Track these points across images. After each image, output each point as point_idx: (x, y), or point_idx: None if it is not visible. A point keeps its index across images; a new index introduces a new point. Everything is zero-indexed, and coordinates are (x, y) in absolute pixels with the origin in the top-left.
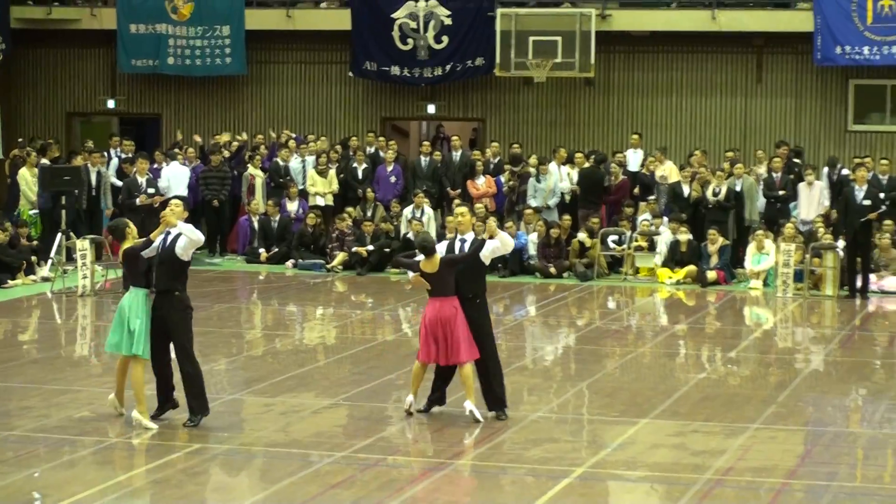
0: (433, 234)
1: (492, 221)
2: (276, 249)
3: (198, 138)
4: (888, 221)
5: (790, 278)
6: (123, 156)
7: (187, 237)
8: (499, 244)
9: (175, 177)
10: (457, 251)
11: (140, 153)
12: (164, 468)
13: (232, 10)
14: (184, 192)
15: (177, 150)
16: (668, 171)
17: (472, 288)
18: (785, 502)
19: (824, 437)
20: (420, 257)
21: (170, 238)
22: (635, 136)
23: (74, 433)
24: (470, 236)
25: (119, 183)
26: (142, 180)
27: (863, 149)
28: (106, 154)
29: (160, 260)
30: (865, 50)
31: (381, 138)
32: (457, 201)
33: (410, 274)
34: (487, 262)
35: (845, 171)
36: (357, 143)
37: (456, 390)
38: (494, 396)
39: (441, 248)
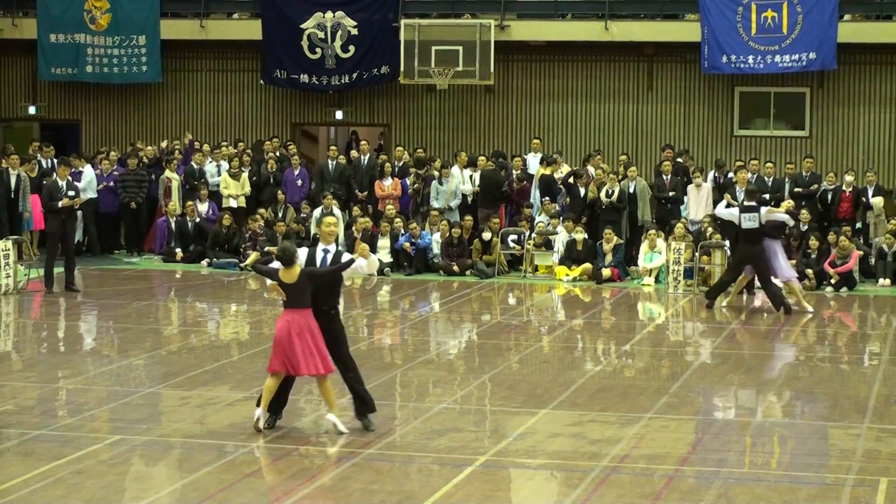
0: (341, 234)
1: (363, 244)
2: (193, 249)
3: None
4: None
5: (680, 275)
6: (49, 162)
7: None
8: (364, 265)
9: (91, 180)
10: (317, 262)
11: (62, 158)
12: (85, 459)
13: (147, 20)
14: (93, 195)
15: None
16: (563, 173)
17: (329, 301)
18: (677, 488)
19: (714, 426)
20: (277, 264)
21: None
22: (536, 141)
23: None
24: (332, 247)
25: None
26: (62, 183)
27: (748, 152)
28: (37, 160)
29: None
30: (750, 59)
31: (292, 144)
32: (327, 210)
33: (268, 281)
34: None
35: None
36: (270, 146)
37: (314, 405)
38: (364, 402)
39: (301, 255)
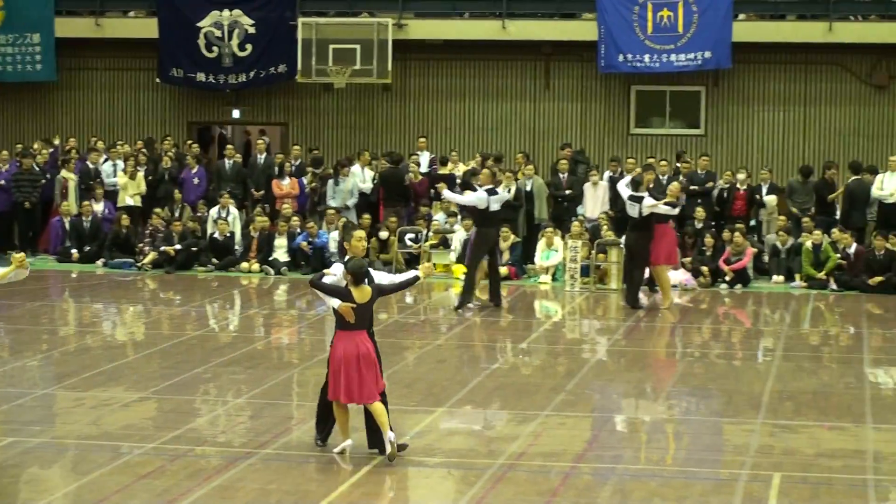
0: (238, 233)
1: (428, 265)
2: (88, 249)
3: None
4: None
5: (577, 273)
6: None
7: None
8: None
9: None
10: None
11: None
12: None
13: (42, 18)
14: None
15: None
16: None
17: (373, 321)
18: (574, 485)
19: (610, 423)
20: (335, 278)
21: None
22: (422, 140)
23: None
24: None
25: None
26: None
27: (644, 151)
28: None
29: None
30: (646, 58)
31: (191, 142)
32: (357, 224)
33: (335, 302)
34: None
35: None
36: (167, 145)
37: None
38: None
39: (338, 270)
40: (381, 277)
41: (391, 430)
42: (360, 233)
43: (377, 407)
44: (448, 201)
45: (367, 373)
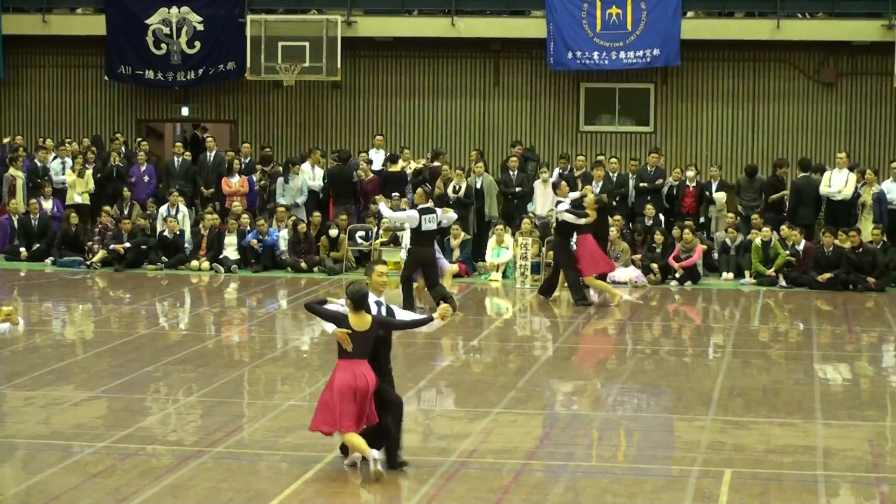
0: (187, 231)
1: (446, 306)
2: (37, 247)
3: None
4: (617, 217)
5: (528, 270)
6: None
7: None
8: (435, 325)
9: None
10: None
11: None
12: None
13: None
14: None
15: None
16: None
17: (388, 358)
18: (525, 482)
19: (561, 420)
20: (339, 307)
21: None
22: (379, 138)
23: None
24: (384, 298)
25: None
26: None
27: (594, 148)
28: None
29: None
30: (595, 55)
31: (140, 139)
32: (377, 260)
33: (329, 327)
34: None
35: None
36: (117, 143)
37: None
38: (391, 441)
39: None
40: (403, 315)
41: (375, 449)
42: (383, 268)
43: (350, 437)
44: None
45: (359, 406)
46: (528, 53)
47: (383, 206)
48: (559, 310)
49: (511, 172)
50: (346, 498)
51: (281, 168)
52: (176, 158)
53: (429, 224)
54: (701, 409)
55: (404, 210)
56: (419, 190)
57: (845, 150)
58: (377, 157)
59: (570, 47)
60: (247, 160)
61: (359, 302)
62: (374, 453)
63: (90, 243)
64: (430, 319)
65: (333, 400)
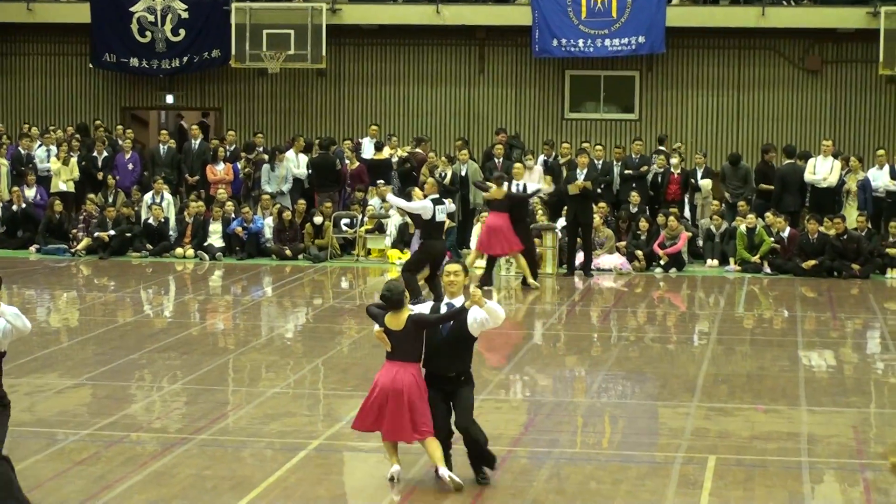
0: (172, 218)
1: (476, 290)
2: (21, 234)
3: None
4: (602, 204)
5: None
6: None
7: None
8: (486, 316)
9: None
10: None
11: None
12: None
13: None
14: None
15: None
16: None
17: (454, 365)
18: (510, 468)
19: (546, 407)
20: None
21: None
22: (374, 127)
23: None
24: (459, 301)
25: None
26: None
27: (578, 135)
28: None
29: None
30: (580, 42)
31: (120, 127)
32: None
33: (374, 327)
34: (476, 335)
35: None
36: (101, 132)
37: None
38: (485, 458)
39: (423, 310)
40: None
41: (446, 466)
42: (451, 267)
43: (427, 443)
44: (393, 205)
45: (398, 410)
46: (512, 41)
47: (392, 196)
48: (544, 297)
49: (496, 160)
50: (329, 485)
51: (266, 156)
52: (161, 146)
53: (441, 215)
54: (685, 395)
55: (415, 201)
56: (430, 180)
57: (830, 138)
58: (368, 146)
59: (556, 35)
60: (231, 148)
61: (390, 301)
62: (444, 471)
63: (75, 231)
64: (465, 310)
65: (367, 400)
